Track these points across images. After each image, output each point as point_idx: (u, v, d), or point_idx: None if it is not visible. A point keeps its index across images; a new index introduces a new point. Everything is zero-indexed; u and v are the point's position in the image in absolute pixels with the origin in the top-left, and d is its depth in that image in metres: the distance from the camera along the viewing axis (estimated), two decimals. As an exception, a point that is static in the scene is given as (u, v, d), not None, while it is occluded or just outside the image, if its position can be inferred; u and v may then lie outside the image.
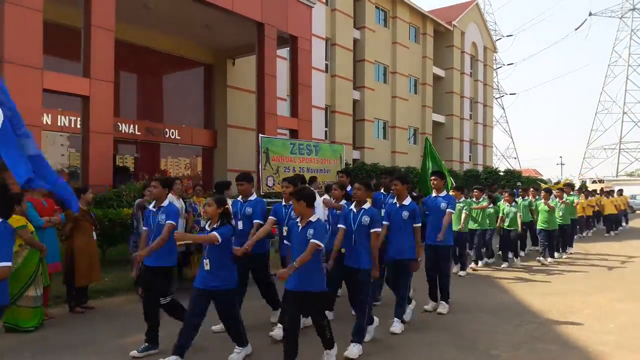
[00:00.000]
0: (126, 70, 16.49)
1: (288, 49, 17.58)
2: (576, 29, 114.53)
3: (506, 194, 11.57)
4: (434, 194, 6.93)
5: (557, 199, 12.10)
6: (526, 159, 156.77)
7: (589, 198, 17.71)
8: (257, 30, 15.31)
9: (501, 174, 29.17)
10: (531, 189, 12.76)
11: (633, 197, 40.67)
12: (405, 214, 5.92)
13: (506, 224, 11.09)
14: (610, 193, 20.18)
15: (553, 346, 5.33)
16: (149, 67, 17.68)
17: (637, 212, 38.68)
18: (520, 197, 12.41)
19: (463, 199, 10.13)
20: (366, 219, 5.15)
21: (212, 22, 15.55)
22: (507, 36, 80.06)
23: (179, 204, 8.14)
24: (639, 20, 74.43)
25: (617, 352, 5.15)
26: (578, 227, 16.79)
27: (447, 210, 6.65)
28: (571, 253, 12.83)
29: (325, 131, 24.06)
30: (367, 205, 5.31)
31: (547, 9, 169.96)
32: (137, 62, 17.06)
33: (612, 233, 18.25)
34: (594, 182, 48.13)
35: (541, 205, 11.32)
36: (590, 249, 14.06)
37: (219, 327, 5.50)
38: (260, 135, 13.49)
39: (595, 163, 74.94)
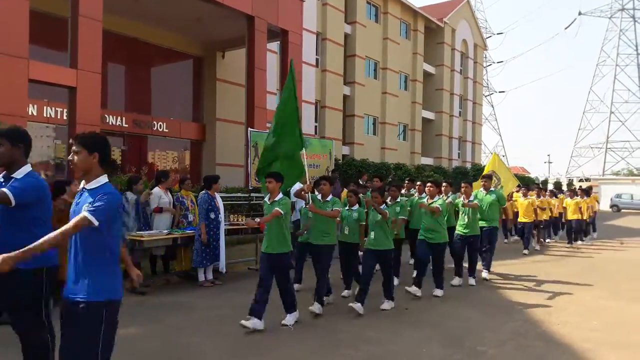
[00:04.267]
0: (114, 62, 16.29)
1: (278, 42, 17.48)
2: (565, 28, 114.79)
3: (392, 188, 7.55)
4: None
5: (461, 198, 8.61)
6: (514, 156, 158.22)
7: (541, 198, 13.86)
8: (248, 23, 15.19)
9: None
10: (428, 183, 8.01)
11: (618, 196, 41.34)
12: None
13: (371, 237, 6.53)
14: (582, 192, 15.28)
15: (538, 343, 5.37)
16: (137, 58, 17.49)
17: (623, 210, 39.32)
18: (416, 193, 9.41)
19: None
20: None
21: (202, 15, 15.40)
22: (497, 34, 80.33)
23: (167, 197, 8.10)
24: (628, 20, 74.91)
25: (601, 348, 5.20)
26: (513, 234, 14.59)
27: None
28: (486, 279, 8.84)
29: (315, 126, 24.01)
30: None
31: (537, 7, 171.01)
32: (125, 53, 16.86)
33: (574, 243, 14.41)
34: (580, 180, 48.73)
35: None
36: (576, 246, 14.21)
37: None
38: (250, 129, 13.40)
39: (582, 162, 75.85)
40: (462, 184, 8.80)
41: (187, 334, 5.39)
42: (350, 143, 26.48)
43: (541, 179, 47.90)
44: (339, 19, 25.43)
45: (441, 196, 8.03)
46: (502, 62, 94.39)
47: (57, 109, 14.29)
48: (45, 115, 14.20)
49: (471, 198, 8.55)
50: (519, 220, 13.33)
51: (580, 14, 76.76)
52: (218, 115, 18.80)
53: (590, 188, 17.25)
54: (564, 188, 30.14)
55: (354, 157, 22.44)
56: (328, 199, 6.50)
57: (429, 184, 7.94)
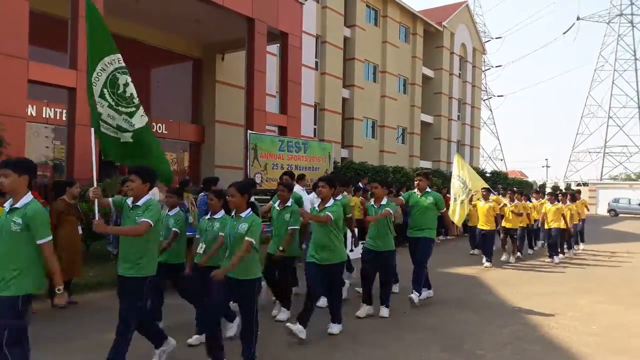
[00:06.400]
0: (114, 63, 16.29)
1: (278, 45, 17.51)
2: (564, 33, 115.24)
3: (280, 188, 6.24)
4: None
5: (371, 202, 6.62)
6: (512, 160, 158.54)
7: (515, 202, 11.78)
8: (247, 25, 15.22)
9: (488, 175, 29.41)
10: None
11: (616, 200, 41.45)
12: None
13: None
14: (564, 197, 12.41)
15: (537, 347, 5.37)
16: (137, 60, 17.45)
17: (620, 215, 39.39)
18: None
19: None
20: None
21: (201, 16, 15.43)
22: (496, 38, 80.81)
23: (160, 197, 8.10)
24: (626, 25, 75.14)
25: (599, 353, 5.20)
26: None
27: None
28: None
29: (314, 129, 24.04)
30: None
31: (536, 12, 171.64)
32: (125, 55, 16.57)
33: (555, 259, 11.69)
34: (578, 184, 48.83)
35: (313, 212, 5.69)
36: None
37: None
38: (249, 131, 13.41)
39: (580, 166, 75.91)
40: (373, 184, 6.84)
41: (186, 335, 5.38)
42: (349, 146, 26.52)
43: (539, 183, 47.96)
44: (339, 22, 25.50)
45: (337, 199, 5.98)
46: (500, 66, 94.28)
47: (56, 109, 14.29)
48: (44, 115, 14.19)
49: (383, 202, 6.36)
50: (478, 227, 11.36)
51: (578, 19, 76.75)
52: (217, 117, 18.81)
53: (578, 192, 14.61)
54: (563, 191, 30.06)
55: (353, 160, 22.47)
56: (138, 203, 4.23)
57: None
